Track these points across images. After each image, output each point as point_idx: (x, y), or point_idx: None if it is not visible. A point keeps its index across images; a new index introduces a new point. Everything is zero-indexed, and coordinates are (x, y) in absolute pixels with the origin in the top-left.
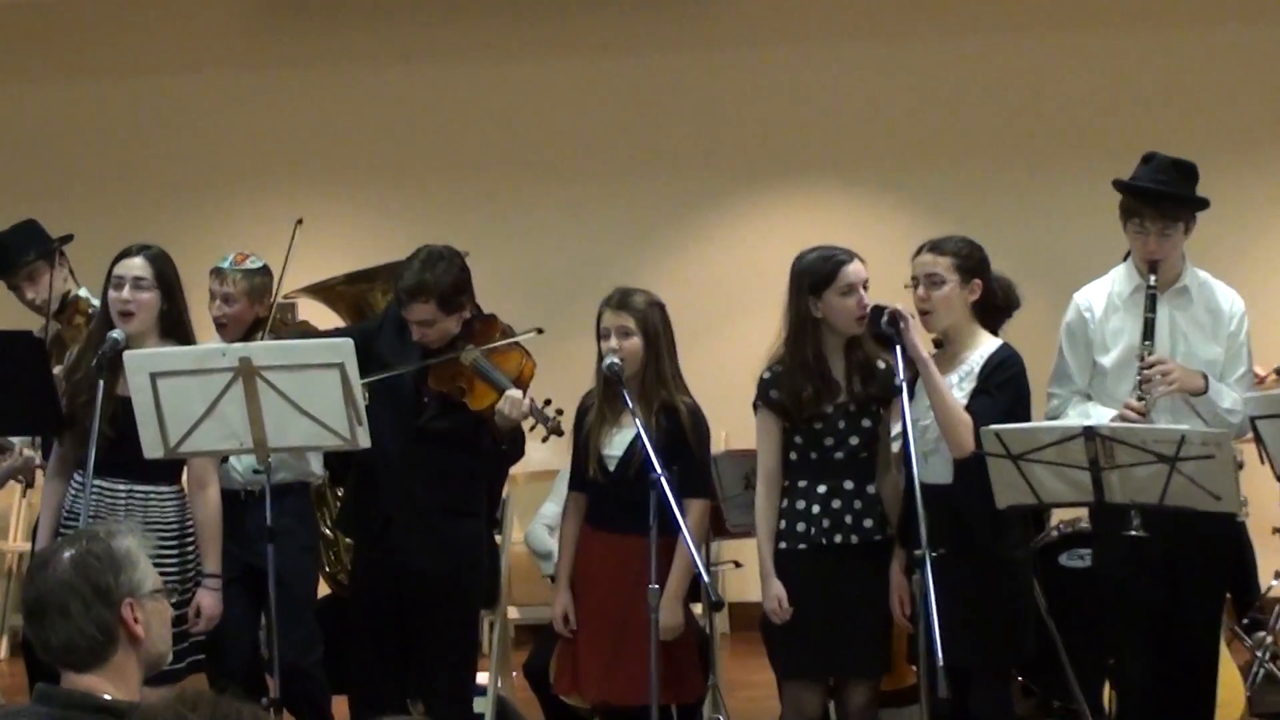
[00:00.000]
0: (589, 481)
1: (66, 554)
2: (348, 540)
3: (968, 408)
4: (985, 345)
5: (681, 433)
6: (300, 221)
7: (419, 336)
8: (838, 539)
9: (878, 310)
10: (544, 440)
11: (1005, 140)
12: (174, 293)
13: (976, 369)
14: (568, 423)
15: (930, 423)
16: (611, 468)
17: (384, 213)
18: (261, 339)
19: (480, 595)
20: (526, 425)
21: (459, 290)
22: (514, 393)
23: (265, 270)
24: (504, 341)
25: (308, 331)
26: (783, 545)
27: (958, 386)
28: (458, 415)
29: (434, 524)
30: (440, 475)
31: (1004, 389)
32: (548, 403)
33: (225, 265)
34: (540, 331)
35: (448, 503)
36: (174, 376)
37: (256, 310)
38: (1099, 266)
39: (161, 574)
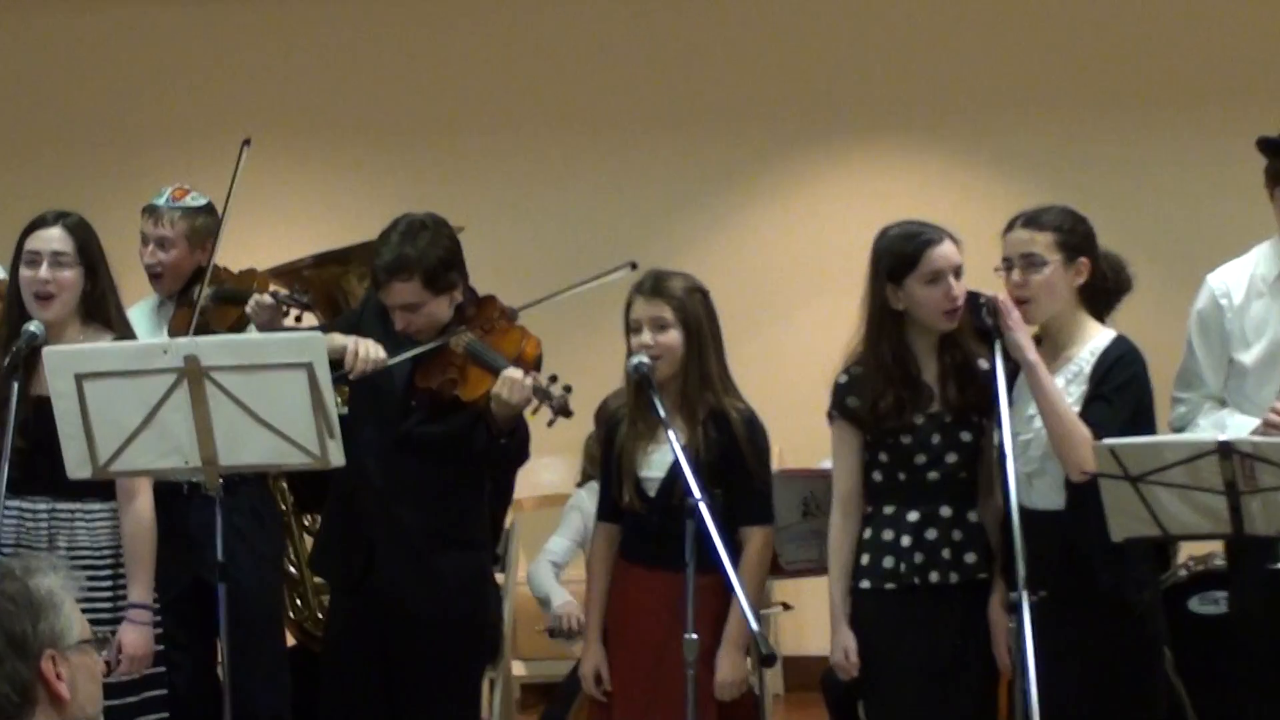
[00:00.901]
0: (624, 510)
1: None
2: (317, 580)
3: (1081, 417)
4: (1096, 338)
5: (735, 445)
6: (248, 142)
7: (403, 325)
8: (933, 577)
9: (975, 298)
10: (550, 424)
11: (1120, 90)
12: (98, 269)
13: (1087, 368)
14: (580, 407)
15: (1033, 437)
16: (652, 492)
17: (362, 179)
18: (199, 294)
19: (484, 646)
20: (529, 411)
21: (448, 265)
22: (512, 371)
23: (209, 209)
24: (502, 319)
25: (258, 286)
26: (865, 584)
27: (1065, 390)
28: (451, 418)
29: (426, 557)
30: (433, 496)
31: (1124, 393)
32: (553, 379)
33: (161, 202)
34: (634, 266)
35: (443, 530)
36: (105, 379)
37: (197, 257)
38: (1235, 243)
39: (92, 610)
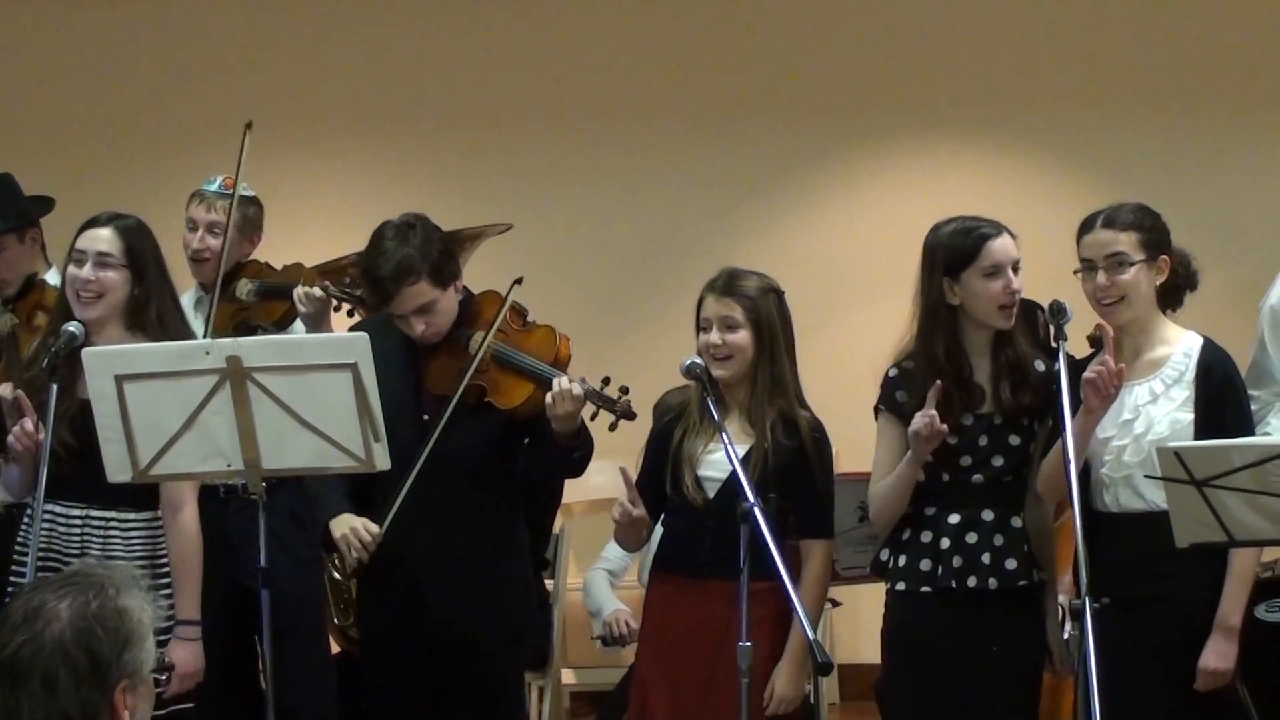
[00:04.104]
0: (676, 508)
1: (64, 606)
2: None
3: None
4: (1183, 339)
5: (803, 454)
6: (250, 125)
7: (421, 331)
8: (972, 582)
9: (1033, 308)
10: (611, 428)
11: (1183, 86)
12: (146, 273)
13: (1188, 372)
14: (642, 408)
15: (1129, 443)
16: (711, 493)
17: (403, 176)
18: (245, 290)
19: (524, 647)
20: (587, 416)
21: (448, 256)
22: (564, 382)
23: (258, 202)
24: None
25: (304, 280)
26: (900, 586)
27: (1166, 395)
28: (479, 421)
29: (477, 579)
30: (475, 514)
31: (1244, 411)
32: (606, 381)
33: (212, 189)
34: (519, 282)
35: (490, 546)
36: (145, 380)
37: (243, 249)
38: None
39: None
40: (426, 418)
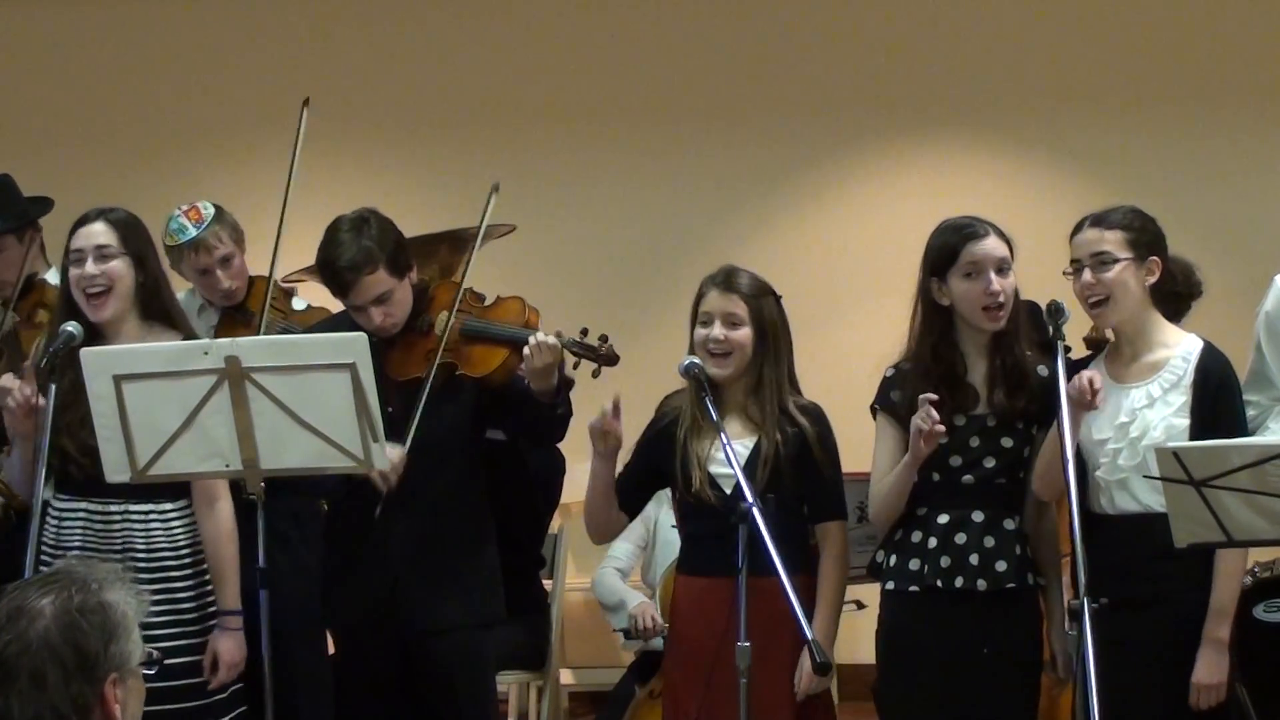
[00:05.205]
0: (693, 512)
1: (47, 603)
2: None
3: None
4: (1182, 342)
5: (805, 440)
6: (307, 102)
7: (380, 322)
8: (959, 583)
9: (1035, 308)
10: (595, 375)
11: (1184, 86)
12: (147, 260)
13: (1185, 377)
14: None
15: (1124, 445)
16: (727, 489)
17: (403, 177)
18: (260, 317)
19: (493, 638)
20: (568, 364)
21: (402, 247)
22: (539, 335)
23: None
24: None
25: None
26: (890, 585)
27: (1163, 399)
28: (445, 405)
29: (450, 568)
30: (443, 495)
31: (1240, 419)
32: (584, 331)
33: (194, 231)
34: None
35: (462, 534)
36: (144, 380)
37: (243, 253)
38: None
39: (176, 613)
40: (390, 409)
